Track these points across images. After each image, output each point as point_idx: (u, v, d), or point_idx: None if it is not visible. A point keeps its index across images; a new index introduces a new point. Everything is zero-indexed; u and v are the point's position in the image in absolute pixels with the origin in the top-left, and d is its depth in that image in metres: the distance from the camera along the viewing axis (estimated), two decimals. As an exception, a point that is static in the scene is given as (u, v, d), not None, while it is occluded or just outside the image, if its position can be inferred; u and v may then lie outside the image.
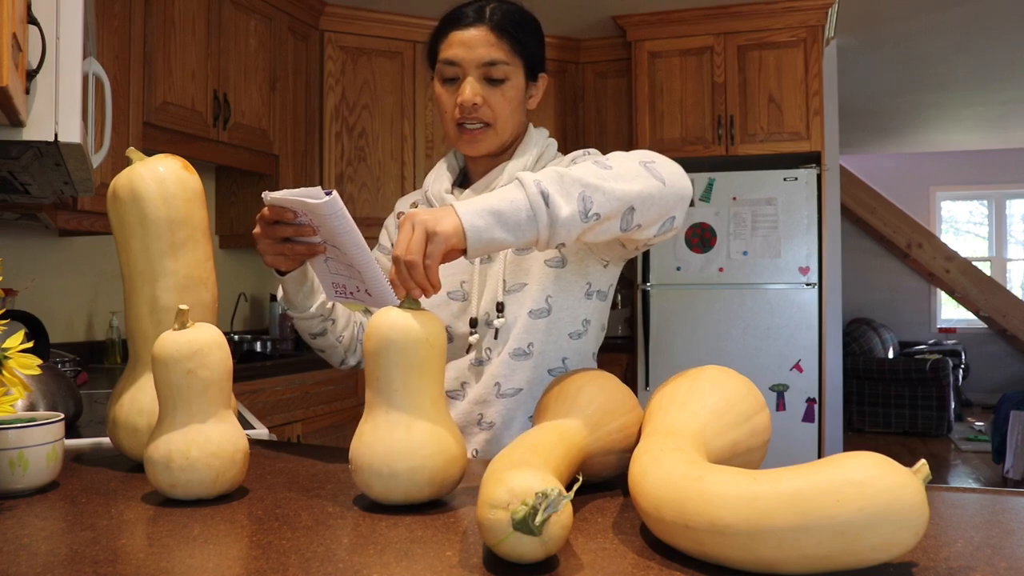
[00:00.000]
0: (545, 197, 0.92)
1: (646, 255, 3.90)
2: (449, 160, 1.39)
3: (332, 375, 3.29)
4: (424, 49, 1.36)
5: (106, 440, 1.27)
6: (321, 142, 3.78)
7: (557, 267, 1.26)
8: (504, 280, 1.25)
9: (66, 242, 2.92)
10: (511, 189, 0.93)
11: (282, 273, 1.17)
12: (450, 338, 1.30)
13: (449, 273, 1.29)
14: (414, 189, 3.30)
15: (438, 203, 1.32)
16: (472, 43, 1.22)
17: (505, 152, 1.31)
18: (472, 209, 0.90)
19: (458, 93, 1.23)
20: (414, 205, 1.42)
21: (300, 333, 1.29)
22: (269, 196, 1.02)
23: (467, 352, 1.28)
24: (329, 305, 1.26)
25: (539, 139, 1.33)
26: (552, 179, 0.94)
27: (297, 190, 0.99)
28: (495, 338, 1.25)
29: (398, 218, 1.42)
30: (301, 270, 1.18)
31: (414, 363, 0.86)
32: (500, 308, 1.24)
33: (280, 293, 1.25)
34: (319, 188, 0.99)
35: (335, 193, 0.96)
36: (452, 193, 1.34)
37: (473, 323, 1.26)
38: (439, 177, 1.36)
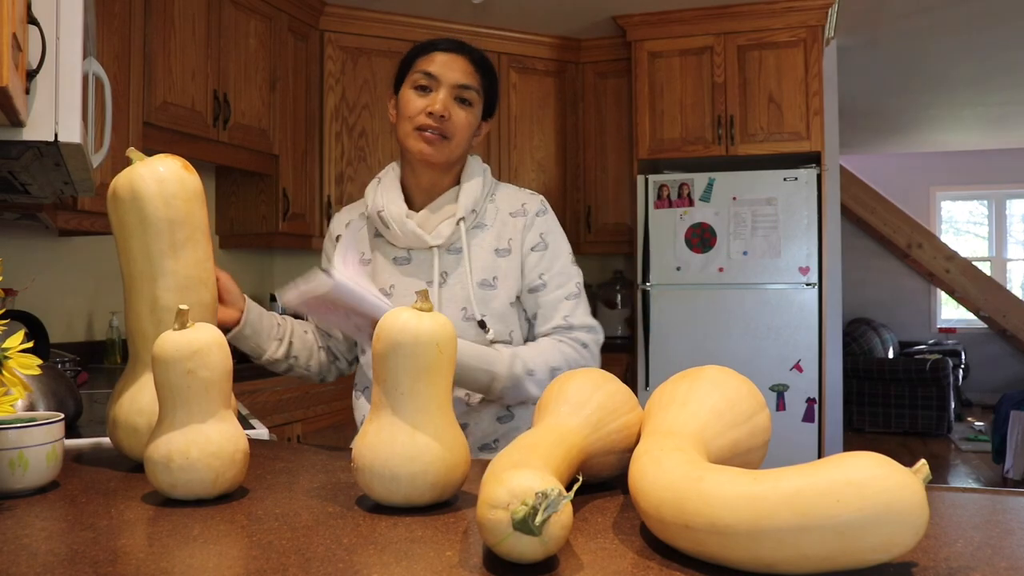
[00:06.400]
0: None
1: (646, 255, 3.90)
2: (393, 177, 1.44)
3: (332, 375, 3.29)
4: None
5: (106, 440, 1.27)
6: (321, 142, 3.78)
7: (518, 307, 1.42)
8: (466, 308, 1.37)
9: (66, 242, 2.91)
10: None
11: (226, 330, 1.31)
12: None
13: (408, 292, 1.39)
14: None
15: (397, 226, 1.37)
16: (453, 65, 1.36)
17: (448, 173, 1.41)
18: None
19: (430, 101, 1.34)
20: (347, 225, 1.49)
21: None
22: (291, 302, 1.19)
23: None
24: (281, 352, 1.40)
25: (479, 166, 1.45)
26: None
27: (304, 287, 1.16)
28: None
29: (336, 241, 1.49)
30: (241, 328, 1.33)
31: (422, 367, 0.86)
32: (483, 325, 1.36)
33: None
34: (321, 273, 1.16)
35: (335, 274, 1.14)
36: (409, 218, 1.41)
37: None
38: (392, 198, 1.40)
